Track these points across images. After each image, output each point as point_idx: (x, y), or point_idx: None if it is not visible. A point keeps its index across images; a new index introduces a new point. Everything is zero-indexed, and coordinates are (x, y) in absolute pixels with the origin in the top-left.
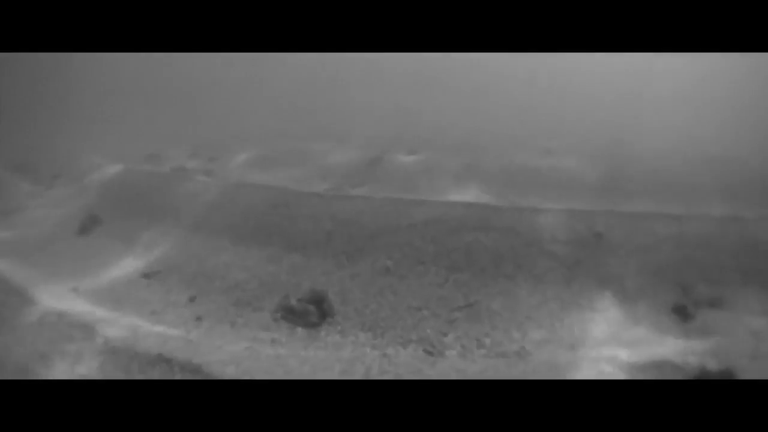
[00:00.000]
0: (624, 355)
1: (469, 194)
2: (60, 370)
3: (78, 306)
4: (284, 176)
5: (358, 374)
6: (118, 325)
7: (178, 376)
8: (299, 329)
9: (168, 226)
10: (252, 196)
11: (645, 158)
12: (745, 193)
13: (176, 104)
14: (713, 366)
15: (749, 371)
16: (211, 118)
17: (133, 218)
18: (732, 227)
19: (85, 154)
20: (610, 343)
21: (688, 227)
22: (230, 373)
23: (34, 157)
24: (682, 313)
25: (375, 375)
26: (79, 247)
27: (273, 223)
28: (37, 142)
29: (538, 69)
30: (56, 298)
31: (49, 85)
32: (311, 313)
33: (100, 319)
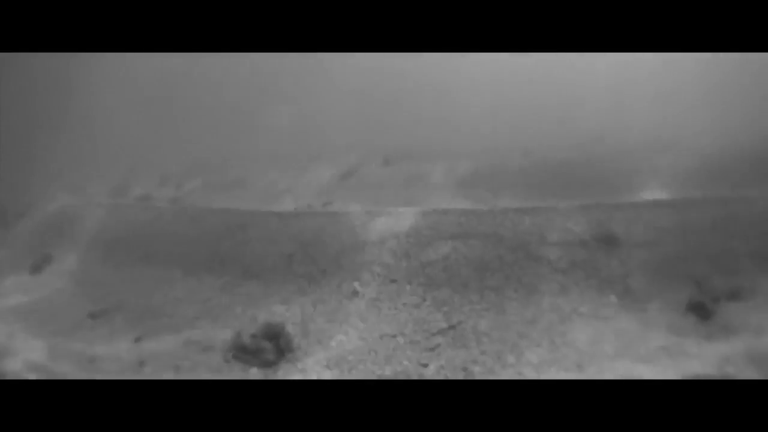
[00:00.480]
0: (646, 372)
1: (446, 201)
2: None
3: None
4: (252, 198)
5: None
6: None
7: None
8: (254, 370)
9: (119, 259)
10: (206, 220)
11: (630, 151)
12: (740, 174)
13: (149, 129)
14: (755, 374)
15: None
16: (184, 140)
17: (85, 254)
18: (737, 208)
19: (51, 188)
20: (624, 358)
21: (690, 214)
22: None
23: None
24: (700, 311)
25: None
26: (28, 288)
27: (228, 248)
28: (5, 177)
29: (514, 69)
30: None
31: (17, 116)
32: (266, 350)
33: (24, 370)
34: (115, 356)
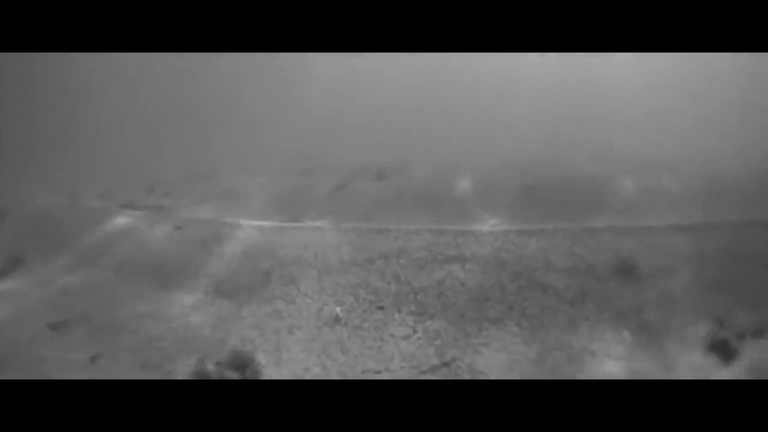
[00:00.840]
0: None
1: (442, 220)
2: None
3: None
4: (240, 208)
5: None
6: None
7: None
8: None
9: (90, 267)
10: (182, 231)
11: (637, 170)
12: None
13: (145, 134)
14: None
15: None
16: (179, 148)
17: (56, 259)
18: (757, 233)
19: (39, 188)
20: None
21: (707, 239)
22: None
23: None
24: (723, 350)
25: None
26: None
27: (201, 262)
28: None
29: (512, 84)
30: None
31: (13, 114)
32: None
33: None
34: (65, 376)
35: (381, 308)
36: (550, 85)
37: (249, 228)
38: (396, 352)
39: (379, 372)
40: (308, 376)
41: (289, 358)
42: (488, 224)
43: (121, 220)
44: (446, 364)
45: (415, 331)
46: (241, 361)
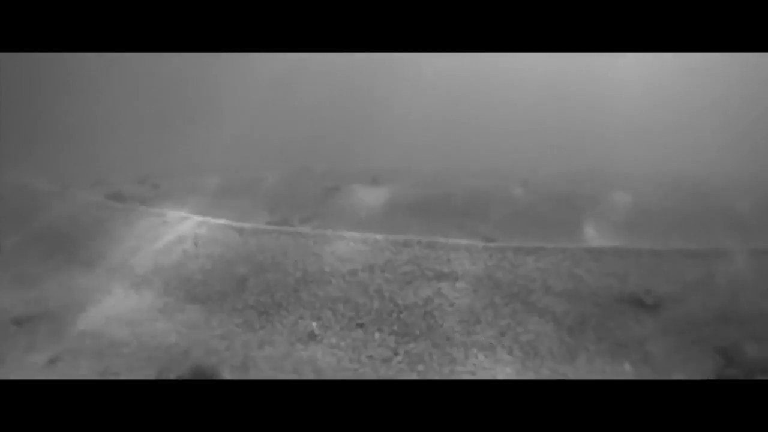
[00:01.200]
0: None
1: (435, 231)
2: None
3: None
4: (228, 207)
5: None
6: None
7: None
8: None
9: (63, 259)
10: (161, 229)
11: (641, 188)
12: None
13: (144, 130)
14: None
15: None
16: (176, 146)
17: (31, 249)
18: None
19: (34, 178)
20: None
21: (717, 267)
22: None
23: None
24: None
25: None
26: None
27: (175, 263)
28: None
29: (514, 88)
30: None
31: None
32: None
33: None
34: (20, 376)
35: (361, 326)
36: (554, 93)
37: (229, 229)
38: (373, 376)
39: None
40: None
41: (257, 375)
42: (483, 238)
43: (104, 213)
44: None
45: (396, 354)
46: (203, 376)
